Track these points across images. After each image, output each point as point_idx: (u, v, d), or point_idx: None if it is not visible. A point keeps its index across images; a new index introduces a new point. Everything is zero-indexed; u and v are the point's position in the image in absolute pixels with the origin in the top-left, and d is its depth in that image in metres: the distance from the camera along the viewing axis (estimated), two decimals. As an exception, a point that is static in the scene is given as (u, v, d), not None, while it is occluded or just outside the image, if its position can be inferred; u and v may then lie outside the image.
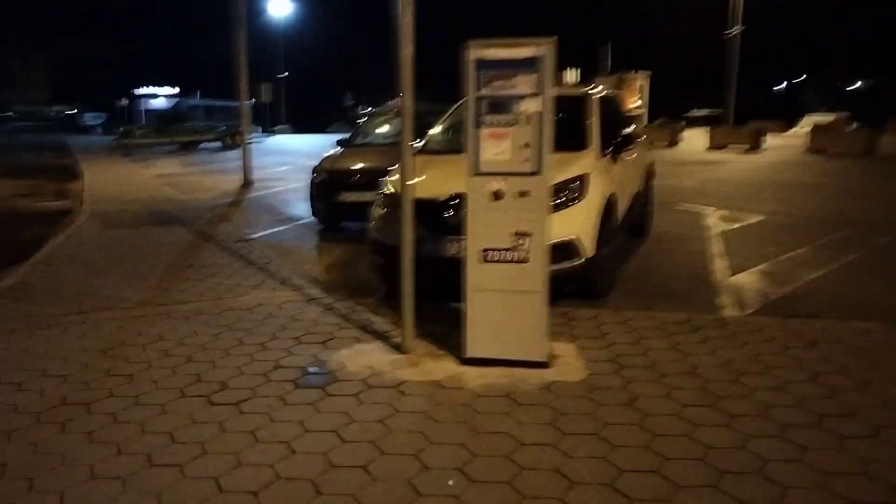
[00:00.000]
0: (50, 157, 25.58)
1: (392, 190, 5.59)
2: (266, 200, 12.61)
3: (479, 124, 3.94)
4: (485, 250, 4.00)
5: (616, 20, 54.17)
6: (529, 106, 3.86)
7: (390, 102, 44.76)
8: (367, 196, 8.52)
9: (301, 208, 11.28)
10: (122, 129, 30.02)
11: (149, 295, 5.87)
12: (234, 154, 25.20)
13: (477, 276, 4.03)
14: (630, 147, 6.43)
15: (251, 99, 42.69)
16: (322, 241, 8.54)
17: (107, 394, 3.78)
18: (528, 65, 3.85)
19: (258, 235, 8.91)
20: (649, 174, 8.45)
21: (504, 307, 4.00)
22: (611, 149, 6.10)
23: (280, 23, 49.33)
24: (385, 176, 8.43)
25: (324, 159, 9.45)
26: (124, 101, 52.02)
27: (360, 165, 8.91)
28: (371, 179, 8.49)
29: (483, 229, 3.98)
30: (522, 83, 3.86)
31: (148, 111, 41.11)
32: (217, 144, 29.74)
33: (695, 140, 26.48)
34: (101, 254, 7.71)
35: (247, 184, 14.97)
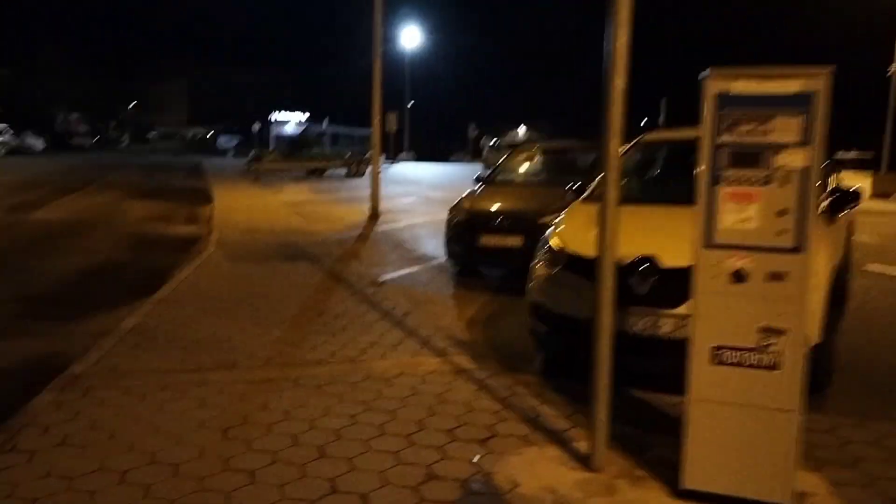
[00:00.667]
0: (184, 179, 26.58)
1: (560, 245, 4.67)
2: (395, 235, 12.04)
3: (716, 180, 2.95)
4: (718, 348, 2.98)
5: (756, 53, 51.32)
6: (791, 159, 2.85)
7: (517, 133, 44.11)
8: (509, 241, 7.70)
9: (431, 246, 10.58)
10: (253, 153, 30.93)
11: (276, 350, 5.21)
12: (360, 182, 25.24)
13: (704, 381, 3.01)
14: (854, 204, 5.20)
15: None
16: (460, 289, 7.72)
17: (222, 501, 3.04)
18: (793, 103, 2.83)
19: (390, 277, 8.22)
20: (850, 232, 7.12)
21: (741, 427, 2.96)
22: (831, 206, 4.92)
23: (408, 53, 50.16)
24: (535, 220, 7.63)
25: (463, 198, 8.67)
26: (257, 126, 54.38)
27: (503, 207, 8.06)
28: (515, 223, 7.64)
29: (717, 320, 2.97)
30: (782, 128, 2.85)
31: (279, 136, 42.54)
32: (343, 171, 30.03)
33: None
34: (227, 292, 7.22)
35: (374, 216, 14.53)
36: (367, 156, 32.12)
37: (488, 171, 9.78)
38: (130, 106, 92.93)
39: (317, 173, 29.40)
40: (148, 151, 61.68)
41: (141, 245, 11.02)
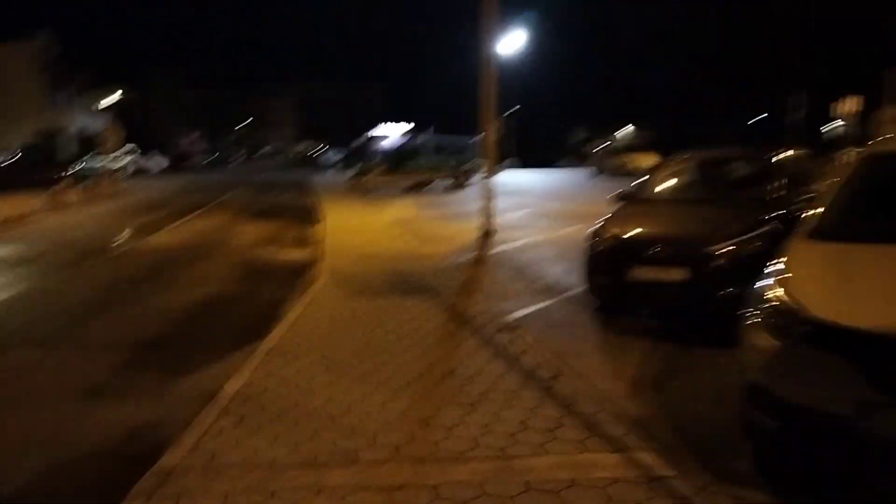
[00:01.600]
0: (294, 197, 26.56)
1: (792, 303, 3.40)
2: (514, 258, 10.93)
3: None
4: None
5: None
6: None
7: (624, 135, 41.93)
8: (670, 274, 6.34)
9: (558, 271, 9.45)
10: (357, 168, 30.65)
11: (404, 432, 4.20)
12: (466, 194, 24.37)
13: None
14: None
15: (480, 135, 42.57)
16: (609, 333, 6.52)
17: None
18: None
19: (520, 315, 7.12)
20: None
21: None
22: None
23: (511, 57, 48.96)
24: (701, 249, 6.30)
25: (608, 221, 7.38)
26: (362, 140, 54.79)
27: (659, 232, 6.75)
28: (676, 252, 6.30)
29: None
30: None
31: (382, 150, 42.44)
32: (447, 182, 29.26)
33: None
34: (341, 340, 6.33)
35: (488, 233, 13.48)
36: (471, 166, 31.30)
37: (633, 187, 8.44)
38: (244, 124, 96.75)
39: (421, 186, 28.76)
40: (260, 168, 63.63)
41: (252, 274, 10.44)
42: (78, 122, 46.37)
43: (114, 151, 29.35)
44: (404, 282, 8.96)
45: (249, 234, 15.26)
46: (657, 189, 8.21)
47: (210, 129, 76.47)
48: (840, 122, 34.42)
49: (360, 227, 15.22)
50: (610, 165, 35.94)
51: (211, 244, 13.74)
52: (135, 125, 58.04)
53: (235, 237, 14.78)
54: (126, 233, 15.38)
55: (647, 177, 8.52)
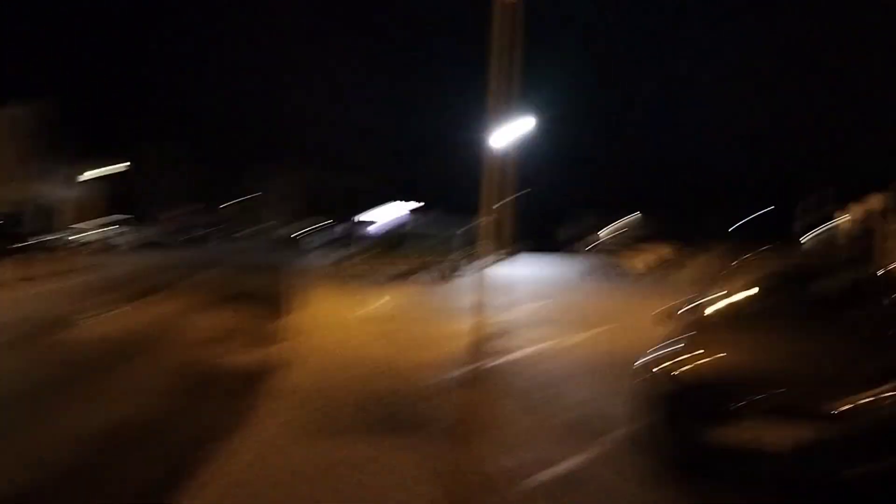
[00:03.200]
0: (271, 281, 24.52)
1: None
2: (522, 374, 8.94)
3: None
4: None
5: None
6: None
7: (627, 222, 40.07)
8: (783, 435, 4.37)
9: (582, 398, 7.44)
10: (341, 253, 28.78)
11: None
12: (457, 286, 22.45)
13: None
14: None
15: (474, 220, 41.06)
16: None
17: None
18: None
19: (550, 478, 5.05)
20: None
21: None
22: None
23: (518, 141, 48.04)
24: (826, 400, 4.28)
25: (673, 349, 5.37)
26: (346, 224, 53.37)
27: (757, 370, 4.77)
28: (787, 401, 4.38)
29: None
30: None
31: (367, 235, 40.81)
32: (436, 272, 27.42)
33: None
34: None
35: (486, 339, 11.46)
36: (460, 255, 29.53)
37: (696, 299, 6.45)
38: (235, 202, 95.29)
39: (407, 275, 26.87)
40: (247, 248, 61.71)
41: (190, 386, 8.30)
42: (60, 192, 44.59)
43: (76, 224, 27.38)
44: (382, 411, 6.88)
45: (208, 324, 13.12)
46: (733, 302, 6.20)
47: (199, 205, 75.05)
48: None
49: (336, 323, 13.17)
50: (606, 260, 34.29)
51: (157, 336, 11.60)
52: (121, 198, 56.53)
53: (190, 328, 12.64)
54: (58, 318, 13.21)
55: (715, 286, 6.56)
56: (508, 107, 12.02)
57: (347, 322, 13.49)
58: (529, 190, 49.53)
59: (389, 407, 7.03)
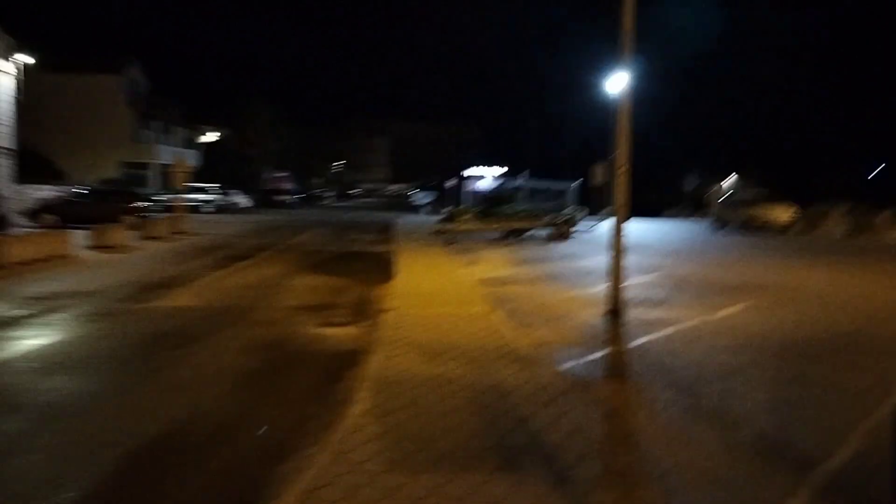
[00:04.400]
0: (372, 241, 23.32)
1: None
2: (671, 364, 6.93)
3: None
4: None
5: None
6: None
7: (726, 183, 36.51)
8: None
9: (762, 402, 5.42)
10: (447, 211, 27.12)
11: None
12: (568, 248, 20.34)
13: None
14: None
15: (580, 180, 38.40)
16: None
17: None
18: None
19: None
20: None
21: None
22: None
23: (615, 99, 44.90)
24: None
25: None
26: (452, 182, 51.84)
27: None
28: None
29: None
30: None
31: (473, 193, 38.99)
32: (547, 231, 25.34)
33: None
34: None
35: (616, 311, 9.49)
36: (573, 213, 27.23)
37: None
38: (337, 164, 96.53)
39: (516, 234, 24.96)
40: (349, 208, 61.71)
41: (263, 373, 6.88)
42: (166, 156, 45.43)
43: (183, 186, 27.10)
44: (494, 425, 5.10)
45: (299, 293, 11.85)
46: None
47: (302, 168, 75.83)
48: None
49: (439, 291, 11.51)
50: (736, 218, 30.89)
51: (243, 308, 10.37)
52: (226, 162, 57.43)
53: (280, 298, 11.38)
54: (153, 285, 12.29)
55: None
56: (623, 57, 9.77)
57: (454, 289, 11.82)
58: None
59: (503, 417, 5.27)
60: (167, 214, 26.17)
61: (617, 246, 9.67)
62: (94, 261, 15.77)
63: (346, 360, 7.12)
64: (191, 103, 55.73)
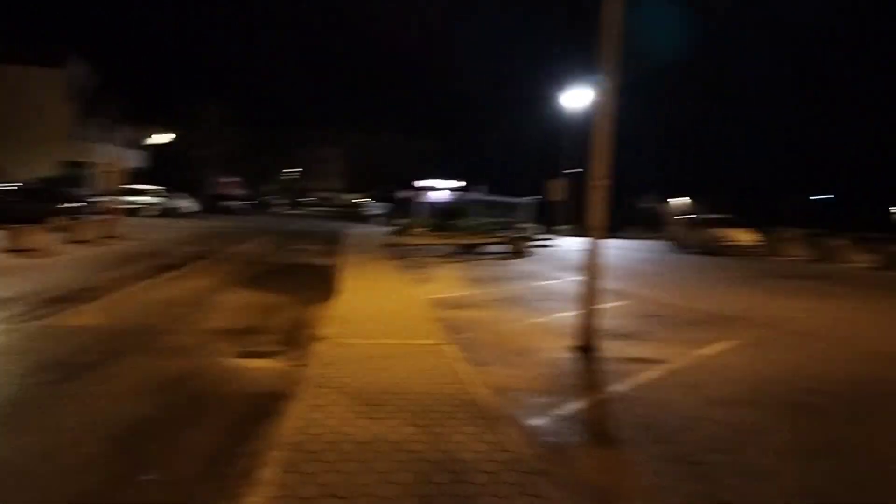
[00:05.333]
0: (318, 253, 21.74)
1: None
2: (664, 424, 5.66)
3: None
4: None
5: None
6: None
7: (675, 203, 35.88)
8: None
9: (797, 479, 4.14)
10: (398, 223, 25.70)
11: None
12: (527, 266, 19.12)
13: None
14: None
15: (537, 196, 37.38)
16: None
17: None
18: None
19: None
20: None
21: None
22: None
23: (573, 115, 44.18)
24: None
25: None
26: (406, 193, 50.50)
27: None
28: None
29: None
30: None
31: (428, 205, 37.63)
32: (497, 248, 24.16)
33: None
34: None
35: (586, 350, 8.24)
36: (528, 230, 26.13)
37: None
38: (289, 171, 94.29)
39: (470, 249, 23.72)
40: (300, 216, 59.75)
41: (159, 422, 5.36)
42: (108, 156, 42.92)
43: (118, 187, 25.06)
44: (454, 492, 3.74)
45: (226, 312, 10.30)
46: None
47: (253, 173, 73.55)
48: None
49: (384, 314, 10.09)
50: (698, 239, 30.23)
51: (157, 330, 8.78)
52: (173, 164, 54.92)
53: (202, 317, 9.81)
54: (59, 297, 10.56)
55: None
56: (605, 57, 8.58)
57: (403, 311, 10.44)
58: (581, 170, 45.31)
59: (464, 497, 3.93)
60: (100, 217, 24.15)
61: (592, 271, 8.43)
62: (1, 266, 13.89)
63: (261, 409, 5.66)
64: (138, 101, 53.12)
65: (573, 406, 6.13)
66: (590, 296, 8.41)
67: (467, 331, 9.34)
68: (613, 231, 48.15)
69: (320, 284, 13.63)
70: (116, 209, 24.05)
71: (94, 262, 15.68)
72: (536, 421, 5.60)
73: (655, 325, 10.56)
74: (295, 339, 8.59)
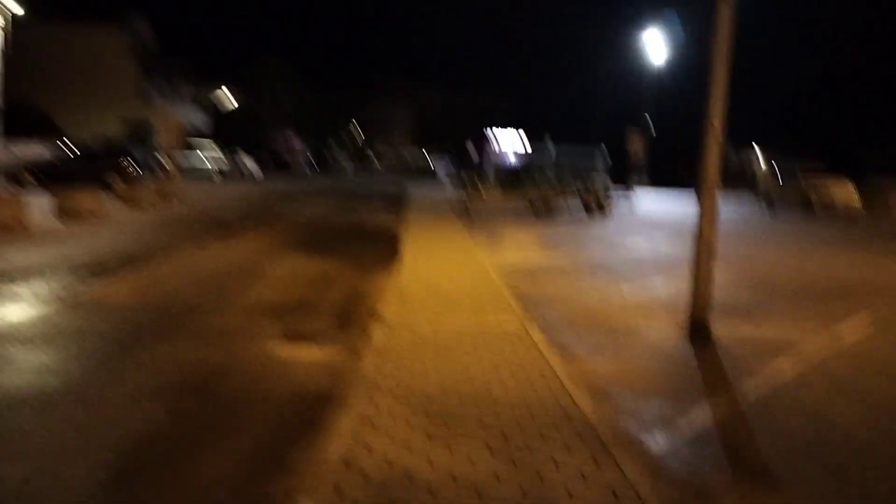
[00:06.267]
0: (381, 212, 20.61)
1: None
2: (830, 447, 4.17)
3: None
4: None
5: None
6: None
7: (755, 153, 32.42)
8: None
9: None
10: (469, 180, 24.03)
11: None
12: (608, 225, 17.32)
13: None
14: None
15: (607, 149, 35.04)
16: None
17: None
18: None
19: None
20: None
21: None
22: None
23: (649, 69, 41.23)
24: None
25: None
26: (477, 147, 48.86)
27: None
28: None
29: None
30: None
31: (499, 159, 35.88)
32: (580, 205, 22.43)
33: None
34: None
35: (699, 328, 6.72)
36: (607, 184, 24.16)
37: None
38: (354, 127, 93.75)
39: (545, 207, 22.04)
40: (366, 172, 59.00)
41: (167, 439, 4.19)
42: (167, 115, 42.78)
43: (177, 147, 24.40)
44: None
45: (274, 284, 9.21)
46: None
47: (319, 131, 73.04)
48: None
49: (453, 285, 8.79)
50: (792, 196, 27.33)
51: (192, 308, 7.73)
52: (237, 124, 54.75)
53: (247, 292, 8.73)
54: (95, 268, 9.68)
55: None
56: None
57: (472, 285, 9.12)
58: (654, 121, 42.25)
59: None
60: (158, 178, 23.62)
61: (707, 239, 6.85)
62: (48, 232, 13.22)
63: (299, 422, 4.46)
64: (201, 61, 52.89)
65: (701, 417, 4.69)
66: (703, 264, 6.86)
67: (549, 307, 7.95)
68: (688, 184, 45.37)
69: (383, 249, 12.43)
70: (174, 170, 23.39)
71: (143, 227, 14.92)
72: (658, 443, 4.20)
73: (772, 298, 8.91)
74: (349, 318, 7.39)
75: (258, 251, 12.01)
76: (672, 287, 9.28)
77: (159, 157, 27.22)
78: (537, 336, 6.42)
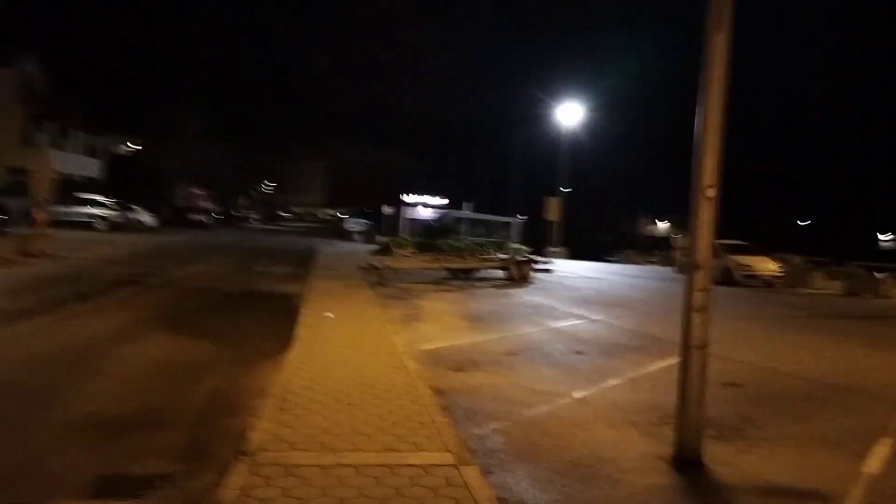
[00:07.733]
0: (285, 275, 18.27)
1: None
2: None
3: None
4: None
5: None
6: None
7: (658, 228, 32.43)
8: None
9: None
10: (381, 241, 22.05)
11: None
12: (535, 296, 15.53)
13: None
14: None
15: (525, 216, 34.06)
16: None
17: None
18: None
19: None
20: None
21: None
22: None
23: (565, 135, 41.08)
24: None
25: None
26: (388, 209, 47.11)
27: None
28: None
29: None
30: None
31: (414, 221, 34.09)
32: (499, 273, 20.80)
33: None
34: None
35: (689, 466, 4.89)
36: (525, 253, 22.69)
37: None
38: (268, 184, 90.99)
39: (464, 274, 20.33)
40: (276, 232, 56.18)
41: None
42: (63, 164, 39.12)
43: (48, 195, 21.34)
44: None
45: (118, 379, 6.84)
46: None
47: (228, 186, 69.90)
48: None
49: (356, 384, 6.68)
50: (715, 267, 26.82)
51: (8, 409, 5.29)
52: (136, 174, 51.16)
53: (73, 393, 6.34)
54: None
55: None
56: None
57: (393, 371, 7.06)
58: (570, 190, 42.10)
59: None
60: (29, 231, 20.48)
61: (700, 342, 5.08)
62: None
63: None
64: (100, 106, 49.40)
65: None
66: (694, 377, 5.08)
67: (487, 421, 5.95)
68: (601, 254, 44.99)
69: (274, 325, 10.20)
70: (45, 223, 20.33)
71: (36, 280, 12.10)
72: None
73: (758, 406, 7.22)
74: (205, 445, 5.15)
75: (115, 327, 9.53)
76: (626, 383, 7.52)
77: (29, 208, 23.99)
78: (476, 484, 4.40)
